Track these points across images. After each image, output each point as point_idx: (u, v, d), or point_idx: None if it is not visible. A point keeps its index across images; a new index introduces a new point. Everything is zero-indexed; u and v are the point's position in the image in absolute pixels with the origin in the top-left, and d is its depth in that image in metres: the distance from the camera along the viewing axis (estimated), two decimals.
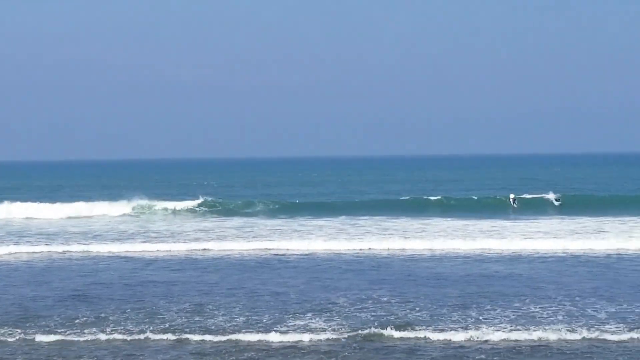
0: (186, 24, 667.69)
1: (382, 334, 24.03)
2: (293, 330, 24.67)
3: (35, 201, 73.66)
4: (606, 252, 40.91)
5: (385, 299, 29.13)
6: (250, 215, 65.54)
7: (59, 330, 24.92)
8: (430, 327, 24.71)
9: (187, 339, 23.93)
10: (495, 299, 28.93)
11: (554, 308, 27.25)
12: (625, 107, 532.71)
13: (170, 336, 24.13)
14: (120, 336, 24.29)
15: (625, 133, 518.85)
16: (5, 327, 25.27)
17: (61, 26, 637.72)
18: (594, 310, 26.76)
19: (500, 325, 24.94)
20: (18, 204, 71.41)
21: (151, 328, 25.01)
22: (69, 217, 66.24)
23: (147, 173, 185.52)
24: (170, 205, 72.29)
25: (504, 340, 23.47)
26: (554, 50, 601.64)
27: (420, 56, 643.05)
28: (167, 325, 25.34)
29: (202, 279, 34.06)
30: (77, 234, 52.39)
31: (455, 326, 24.92)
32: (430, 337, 23.73)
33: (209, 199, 75.56)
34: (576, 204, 69.26)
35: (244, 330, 24.71)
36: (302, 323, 25.53)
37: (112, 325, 25.50)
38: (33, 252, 43.74)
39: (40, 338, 24.11)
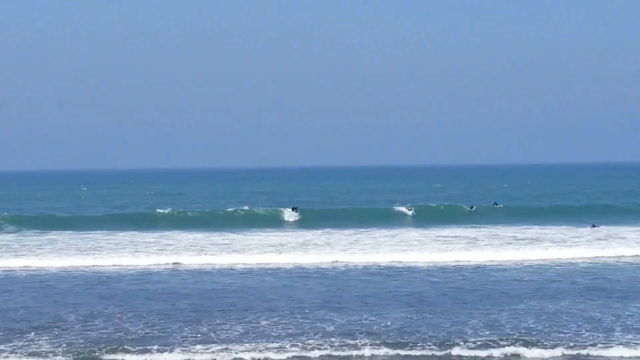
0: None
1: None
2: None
3: None
4: (333, 265, 41.34)
5: (119, 315, 28.28)
6: None
7: None
8: (160, 343, 23.99)
9: None
10: (227, 312, 28.54)
11: (285, 321, 27.10)
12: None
13: None
14: None
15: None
16: None
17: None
18: (322, 323, 26.80)
19: (229, 340, 24.50)
20: None
21: None
22: None
23: None
24: None
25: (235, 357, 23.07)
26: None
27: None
28: None
29: None
30: None
31: (187, 342, 24.32)
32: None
33: None
34: (313, 217, 70.21)
35: None
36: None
37: None
38: None
39: None
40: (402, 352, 23.17)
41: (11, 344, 24.22)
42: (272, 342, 24.16)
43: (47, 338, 24.93)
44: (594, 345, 23.53)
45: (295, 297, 31.78)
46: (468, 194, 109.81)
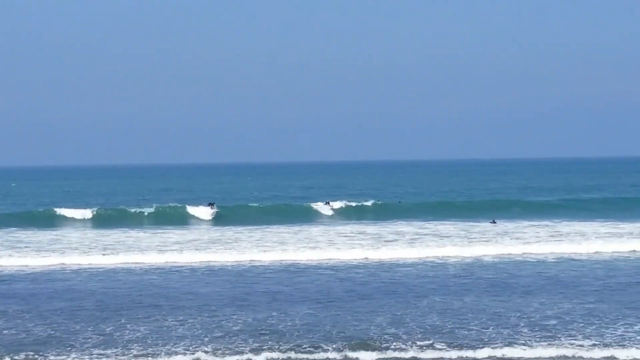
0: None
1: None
2: None
3: None
4: (238, 262, 40.64)
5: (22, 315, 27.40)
6: None
7: None
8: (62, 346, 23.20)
9: None
10: (133, 311, 27.84)
11: (191, 320, 26.49)
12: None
13: None
14: None
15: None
16: None
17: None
18: (228, 322, 26.27)
19: (132, 341, 23.82)
20: None
21: None
22: None
23: None
24: None
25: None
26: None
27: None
28: None
29: None
30: None
31: (88, 344, 23.57)
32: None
33: None
34: (231, 214, 69.35)
35: None
36: None
37: None
38: None
39: None
40: (302, 356, 22.59)
41: None
42: (173, 344, 23.48)
43: None
44: (498, 343, 23.41)
45: (202, 295, 31.18)
46: (375, 190, 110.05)
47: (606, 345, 22.93)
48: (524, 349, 22.70)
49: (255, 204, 75.46)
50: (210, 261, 40.86)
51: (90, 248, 46.03)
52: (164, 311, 27.95)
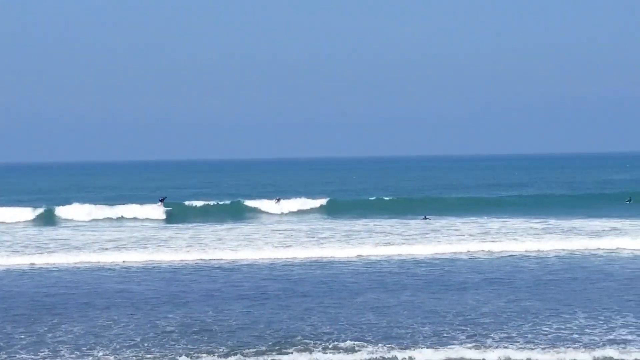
0: None
1: None
2: None
3: None
4: (172, 261, 39.66)
5: None
6: None
7: None
8: None
9: None
10: (67, 310, 27.09)
11: (125, 320, 25.76)
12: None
13: None
14: None
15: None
16: None
17: None
18: (162, 321, 25.57)
19: (64, 342, 23.04)
20: None
21: None
22: None
23: None
24: None
25: None
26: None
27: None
28: None
29: None
30: None
31: (17, 346, 22.73)
32: None
33: None
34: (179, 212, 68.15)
35: None
36: None
37: None
38: None
39: None
40: (233, 357, 21.85)
41: None
42: (104, 346, 22.75)
43: None
44: (433, 341, 23.02)
45: (137, 293, 30.46)
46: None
47: (541, 343, 22.66)
48: (456, 349, 22.24)
49: (198, 203, 73.32)
50: (148, 260, 39.73)
51: (23, 247, 44.95)
52: (97, 310, 27.21)
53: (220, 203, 73.19)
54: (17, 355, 21.92)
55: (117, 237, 48.78)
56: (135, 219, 63.81)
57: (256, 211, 69.41)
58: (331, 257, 40.67)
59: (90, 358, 21.69)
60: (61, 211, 65.74)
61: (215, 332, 24.02)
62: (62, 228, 55.69)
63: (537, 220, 55.01)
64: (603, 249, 42.26)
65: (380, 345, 22.52)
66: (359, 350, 22.05)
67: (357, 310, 26.90)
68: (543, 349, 22.07)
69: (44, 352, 22.18)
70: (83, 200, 70.48)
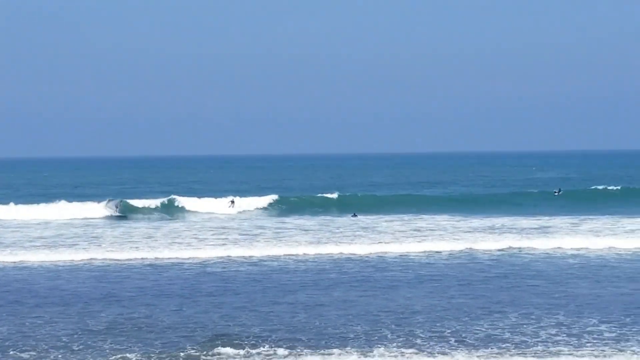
0: None
1: None
2: None
3: None
4: (105, 259, 38.82)
5: None
6: None
7: None
8: None
9: None
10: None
11: (56, 319, 25.07)
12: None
13: None
14: None
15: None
16: None
17: None
18: (92, 320, 24.97)
19: None
20: None
21: None
22: None
23: None
24: None
25: None
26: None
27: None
28: None
29: None
30: None
31: None
32: None
33: None
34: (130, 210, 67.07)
35: None
36: None
37: None
38: None
39: None
40: (162, 356, 21.25)
41: None
42: (31, 347, 22.04)
43: None
44: (364, 341, 22.67)
45: (68, 291, 29.79)
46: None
47: (472, 343, 22.48)
48: (389, 349, 21.91)
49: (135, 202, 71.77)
50: (84, 259, 38.72)
51: None
52: (26, 309, 26.49)
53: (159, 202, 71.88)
54: None
55: (48, 235, 47.85)
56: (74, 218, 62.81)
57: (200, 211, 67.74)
58: (265, 254, 40.01)
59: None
60: None
61: (148, 331, 23.46)
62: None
63: (465, 218, 55.19)
64: (532, 247, 42.30)
65: (311, 344, 22.11)
66: (292, 351, 21.62)
67: (288, 309, 26.44)
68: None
69: None
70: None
